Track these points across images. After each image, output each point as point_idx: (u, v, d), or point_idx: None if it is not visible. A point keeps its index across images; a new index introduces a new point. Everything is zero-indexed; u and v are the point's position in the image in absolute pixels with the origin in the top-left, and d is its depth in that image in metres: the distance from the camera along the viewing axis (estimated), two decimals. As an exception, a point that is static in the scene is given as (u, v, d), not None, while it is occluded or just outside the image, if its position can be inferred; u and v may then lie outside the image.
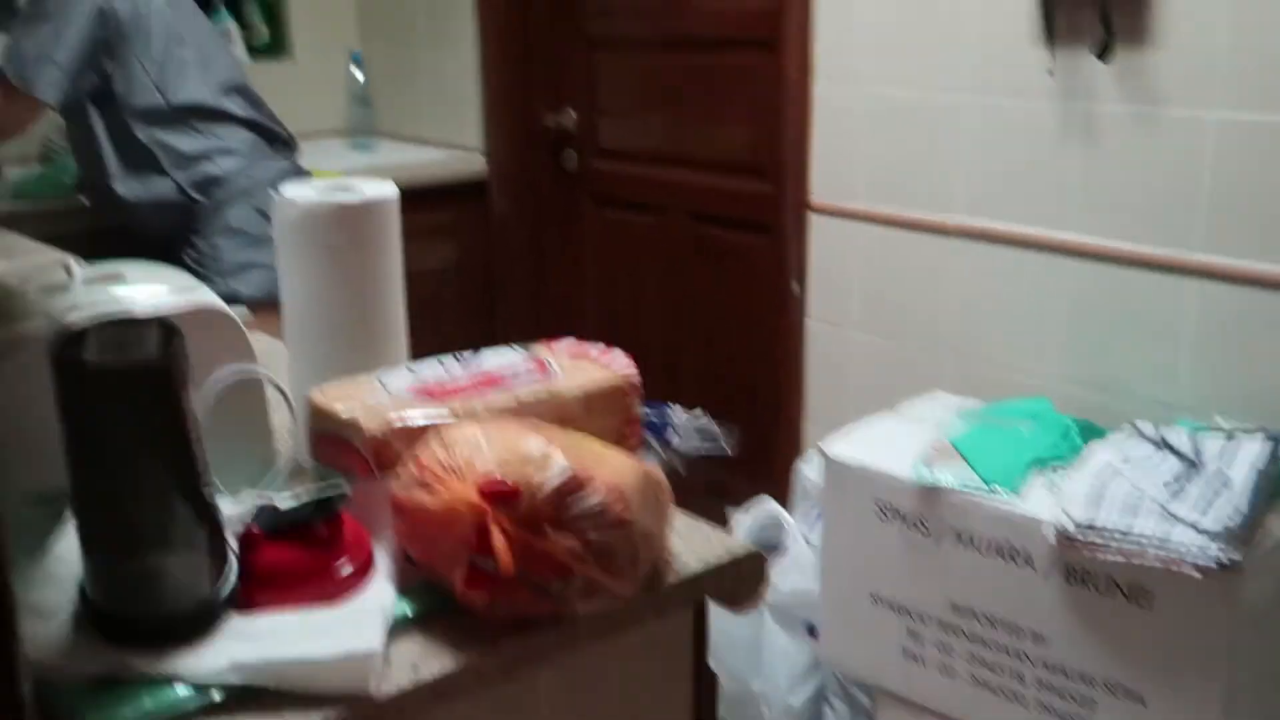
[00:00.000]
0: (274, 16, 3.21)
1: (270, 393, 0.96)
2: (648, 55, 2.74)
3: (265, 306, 2.19)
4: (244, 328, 0.92)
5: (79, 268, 0.89)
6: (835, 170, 2.28)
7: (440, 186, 2.93)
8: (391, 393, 0.93)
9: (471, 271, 3.05)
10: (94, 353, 0.65)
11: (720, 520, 1.75)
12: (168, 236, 2.25)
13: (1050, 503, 1.59)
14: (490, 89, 2.98)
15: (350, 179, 1.08)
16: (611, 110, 2.87)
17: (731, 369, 2.70)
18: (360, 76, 3.14)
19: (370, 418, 0.88)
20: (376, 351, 1.04)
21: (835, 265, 2.32)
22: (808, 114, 2.30)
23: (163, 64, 2.18)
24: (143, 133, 2.19)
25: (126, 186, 2.22)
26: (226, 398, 0.92)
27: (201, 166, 2.22)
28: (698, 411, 1.07)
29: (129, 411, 0.65)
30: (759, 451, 2.64)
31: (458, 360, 1.00)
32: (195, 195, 2.23)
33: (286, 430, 1.00)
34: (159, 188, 2.22)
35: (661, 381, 2.84)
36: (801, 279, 2.38)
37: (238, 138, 2.27)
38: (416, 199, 2.87)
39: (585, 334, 3.06)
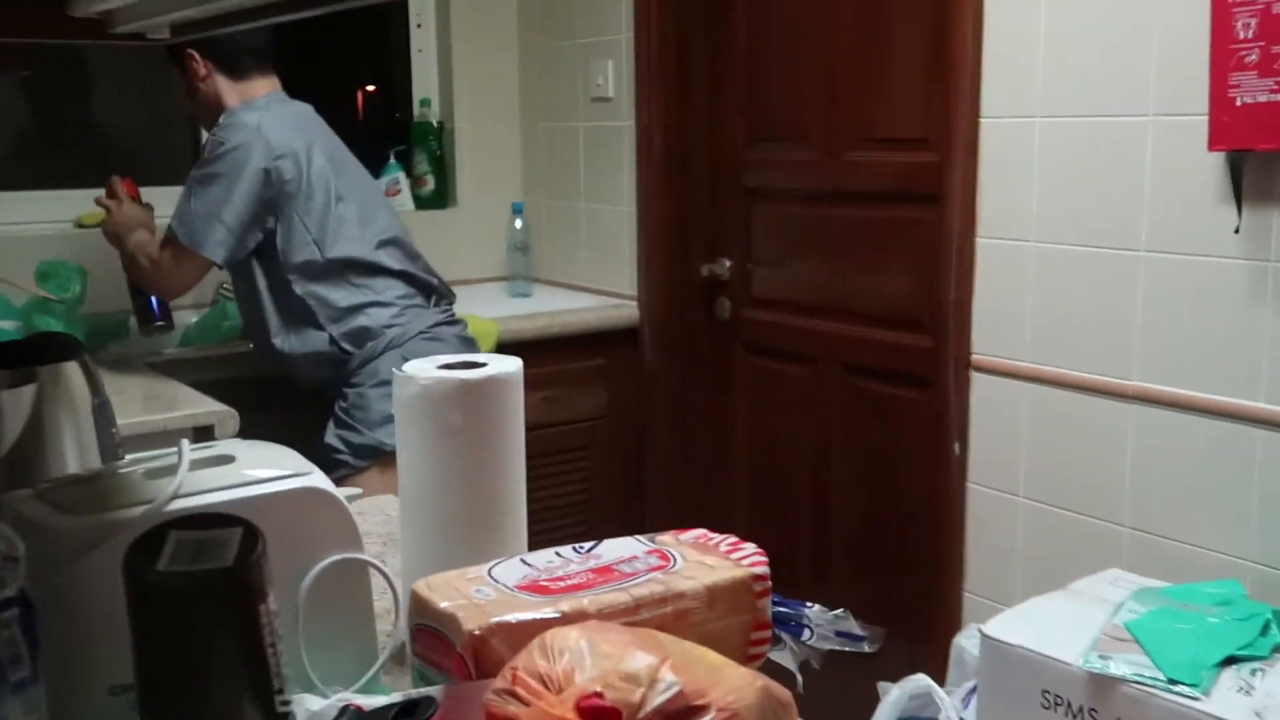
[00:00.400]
0: (442, 169, 3.33)
1: (376, 578, 0.91)
2: (805, 207, 2.71)
3: None
4: (350, 510, 0.88)
5: (189, 448, 0.87)
6: (1000, 326, 2.16)
7: (593, 333, 2.94)
8: (499, 586, 0.87)
9: (622, 418, 3.02)
10: (167, 558, 0.61)
11: (867, 690, 1.63)
12: (323, 385, 2.29)
13: (1243, 707, 1.40)
14: (646, 238, 2.99)
15: (478, 354, 1.04)
16: (766, 260, 2.84)
17: (886, 530, 2.56)
18: (519, 225, 3.21)
19: (471, 614, 0.82)
20: (494, 538, 0.98)
21: (999, 426, 2.19)
22: (971, 267, 2.21)
23: (322, 221, 2.25)
24: (300, 287, 2.25)
25: (285, 341, 2.28)
26: (328, 583, 0.88)
27: (355, 319, 2.27)
28: (840, 611, 0.97)
29: (198, 622, 0.61)
30: (912, 618, 2.48)
31: (576, 551, 0.94)
32: (348, 347, 2.27)
33: (391, 619, 0.95)
34: (314, 342, 2.27)
35: (812, 538, 2.74)
36: (963, 439, 2.25)
37: (391, 290, 2.31)
38: (570, 345, 2.92)
39: (734, 484, 2.98)
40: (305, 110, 2.39)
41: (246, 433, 1.94)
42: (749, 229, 2.88)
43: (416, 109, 3.32)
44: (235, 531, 0.65)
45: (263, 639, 0.63)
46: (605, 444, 3.01)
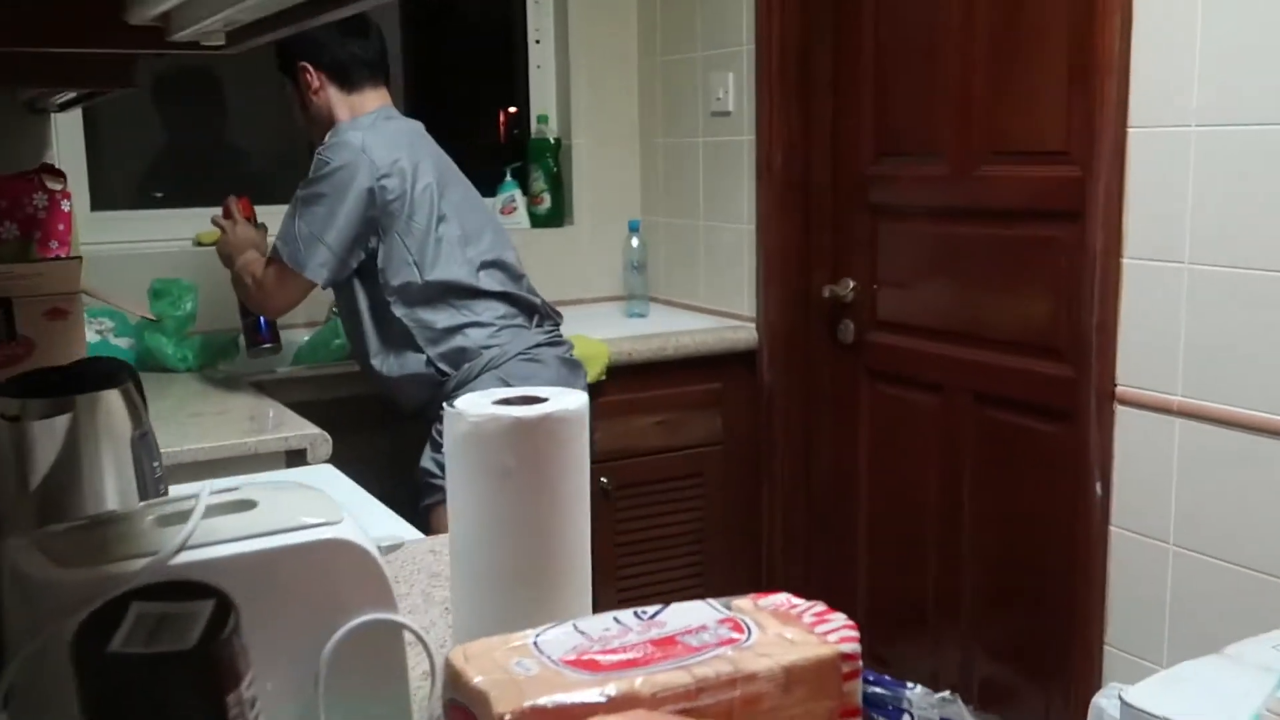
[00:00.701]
0: (558, 186, 3.26)
1: (412, 640, 0.82)
2: (935, 224, 2.54)
3: None
4: (382, 564, 0.79)
5: (209, 492, 0.79)
6: (1148, 355, 1.97)
7: (709, 356, 2.82)
8: (543, 659, 0.76)
9: (738, 445, 2.89)
10: (122, 636, 0.52)
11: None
12: (423, 407, 2.23)
13: None
14: (766, 258, 2.87)
15: (543, 388, 0.94)
16: (893, 280, 2.68)
17: (1020, 572, 2.37)
18: (636, 244, 3.11)
19: (505, 693, 0.72)
20: (552, 597, 0.88)
21: (1147, 465, 1.99)
22: (1116, 290, 2.02)
23: (423, 242, 2.20)
24: (399, 309, 2.20)
25: (384, 363, 2.24)
26: (355, 647, 0.78)
27: (452, 340, 2.21)
28: (947, 694, 0.84)
29: (152, 713, 0.52)
30: (1048, 668, 2.29)
31: (637, 617, 0.82)
32: (445, 368, 2.21)
33: (427, 683, 0.85)
34: (412, 364, 2.22)
35: (939, 578, 2.56)
36: (1105, 478, 2.06)
37: (491, 310, 2.25)
38: (685, 368, 2.81)
39: (856, 517, 2.83)
40: (414, 127, 2.34)
41: (347, 455, 1.89)
42: (874, 248, 2.72)
43: (534, 125, 3.27)
44: (206, 604, 0.56)
45: (231, 727, 0.54)
46: (719, 472, 2.88)
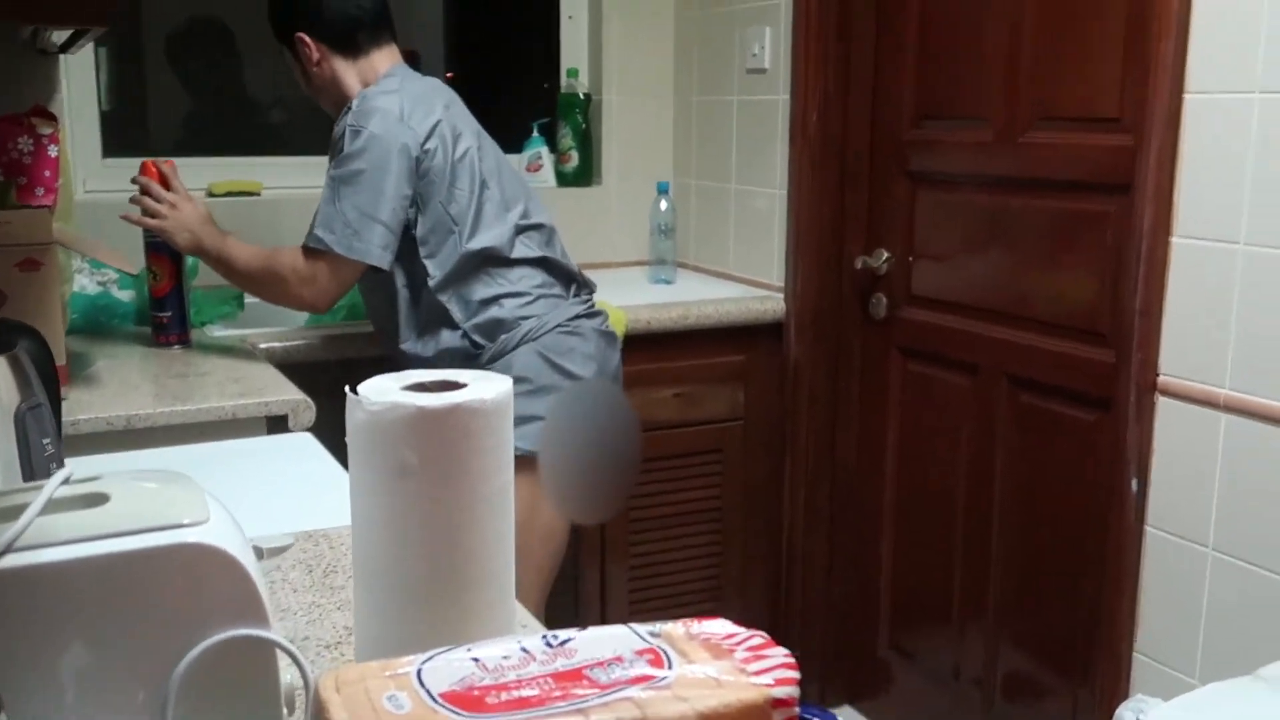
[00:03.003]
0: (587, 144, 3.13)
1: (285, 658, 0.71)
2: (976, 194, 2.38)
3: (535, 465, 2.01)
4: (251, 570, 0.68)
5: (57, 483, 0.69)
6: (1195, 344, 1.81)
7: (734, 327, 2.69)
8: (422, 693, 0.65)
9: (761, 420, 2.77)
10: None
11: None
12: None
13: None
14: (797, 225, 2.72)
15: (464, 371, 0.83)
16: (929, 253, 2.52)
17: (1050, 567, 2.23)
18: (664, 207, 2.98)
19: (362, 737, 0.61)
20: (458, 611, 0.77)
21: (1188, 463, 1.84)
22: (1163, 272, 1.86)
23: (465, 210, 2.05)
24: (437, 285, 2.05)
25: (415, 345, 2.10)
26: (216, 668, 0.69)
27: (488, 310, 2.07)
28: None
29: None
30: (1074, 669, 2.16)
31: (546, 643, 0.71)
32: (479, 340, 2.07)
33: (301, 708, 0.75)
34: (446, 340, 2.08)
35: (965, 566, 2.43)
36: (1143, 474, 1.91)
37: (527, 279, 2.11)
38: (708, 339, 2.68)
39: (881, 499, 2.71)
40: (440, 85, 2.20)
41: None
42: (911, 218, 2.57)
43: (564, 80, 3.14)
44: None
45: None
46: (741, 448, 2.76)
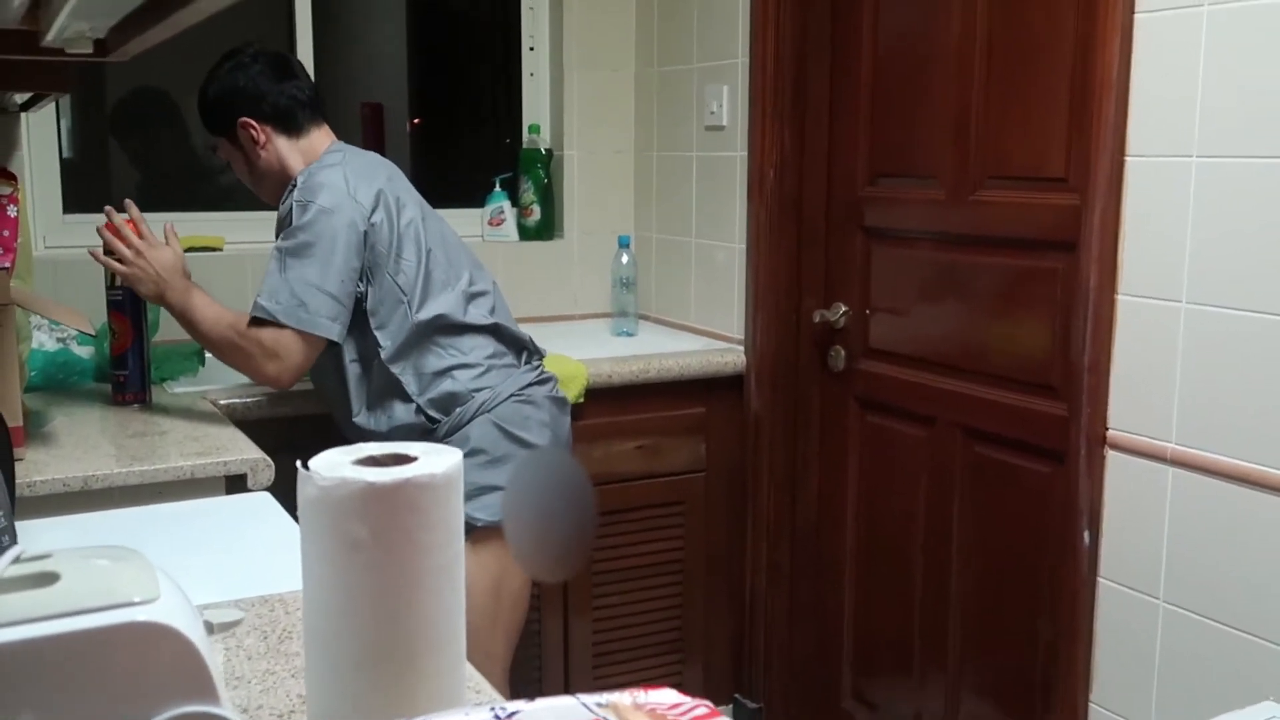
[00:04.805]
0: (549, 199, 3.17)
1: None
2: (930, 250, 2.43)
3: (499, 534, 2.01)
4: (200, 648, 0.69)
5: (9, 558, 0.70)
6: (1142, 399, 1.85)
7: (695, 380, 2.72)
8: (368, 769, 0.66)
9: (722, 472, 2.79)
10: None
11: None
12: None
13: None
14: (756, 279, 2.76)
15: (415, 444, 0.85)
16: (886, 307, 2.57)
17: (1005, 619, 2.26)
18: (625, 260, 3.02)
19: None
20: (407, 685, 0.78)
21: (1138, 515, 1.87)
22: (1110, 328, 1.91)
23: (413, 280, 2.06)
24: (389, 358, 2.05)
25: (369, 419, 2.10)
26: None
27: (441, 384, 2.07)
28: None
29: None
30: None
31: (496, 716, 0.72)
32: (435, 414, 2.08)
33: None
34: (401, 414, 2.08)
35: (924, 617, 2.45)
36: (1095, 526, 1.95)
37: (479, 349, 2.11)
38: (668, 392, 2.71)
39: (842, 549, 2.72)
40: (380, 159, 2.21)
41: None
42: (868, 273, 2.61)
43: (525, 135, 3.17)
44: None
45: None
46: (703, 500, 2.78)
